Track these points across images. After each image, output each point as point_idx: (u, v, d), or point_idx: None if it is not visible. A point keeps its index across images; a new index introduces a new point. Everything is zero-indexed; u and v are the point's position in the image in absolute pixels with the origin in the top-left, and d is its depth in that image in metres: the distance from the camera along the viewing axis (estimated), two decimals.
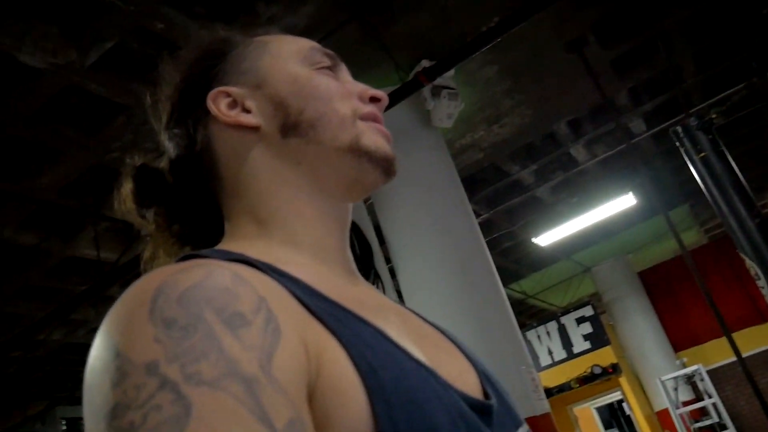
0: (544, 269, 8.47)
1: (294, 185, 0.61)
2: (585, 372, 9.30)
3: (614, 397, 11.70)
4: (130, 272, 5.09)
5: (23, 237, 4.68)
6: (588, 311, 8.95)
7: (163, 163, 0.69)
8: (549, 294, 9.50)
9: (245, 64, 0.66)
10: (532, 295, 9.11)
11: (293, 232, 0.60)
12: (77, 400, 7.46)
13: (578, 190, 6.49)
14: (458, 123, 4.47)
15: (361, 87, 0.67)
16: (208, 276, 0.44)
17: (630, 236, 8.01)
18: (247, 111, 0.63)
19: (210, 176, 0.65)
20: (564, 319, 9.08)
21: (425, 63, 4.11)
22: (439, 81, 4.16)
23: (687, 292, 8.50)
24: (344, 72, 0.69)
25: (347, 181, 0.62)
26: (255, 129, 0.62)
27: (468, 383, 0.57)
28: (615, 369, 9.10)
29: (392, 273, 4.14)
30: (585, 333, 8.89)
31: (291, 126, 0.61)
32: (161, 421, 0.37)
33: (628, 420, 12.37)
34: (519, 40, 4.17)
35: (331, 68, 0.66)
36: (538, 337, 9.16)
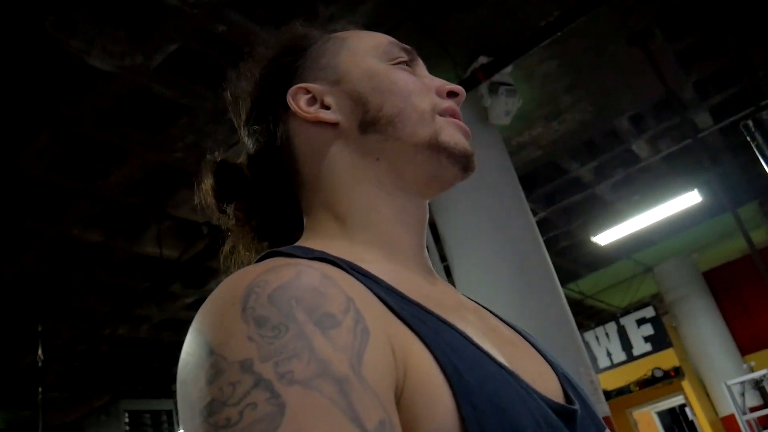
0: (603, 269, 8.25)
1: (373, 181, 0.62)
2: (645, 375, 9.02)
3: (676, 401, 11.30)
4: (192, 269, 5.22)
5: (90, 234, 4.85)
6: (649, 312, 8.67)
7: (242, 159, 0.70)
8: (608, 294, 9.25)
9: (324, 60, 0.66)
10: (590, 296, 8.89)
11: (372, 229, 0.60)
12: (140, 394, 7.70)
13: (640, 187, 6.29)
14: (516, 120, 4.39)
15: (438, 82, 0.66)
16: (298, 276, 0.45)
17: (694, 235, 7.72)
18: (327, 107, 0.63)
19: (289, 172, 0.66)
20: (624, 320, 8.83)
21: (483, 59, 4.06)
22: (496, 77, 4.11)
23: (755, 294, 8.15)
24: (421, 67, 0.68)
25: (426, 177, 0.62)
26: (334, 125, 0.63)
27: (549, 386, 0.56)
28: (677, 372, 8.80)
29: (447, 272, 4.10)
30: (646, 335, 8.63)
31: (370, 122, 0.62)
32: (257, 419, 0.38)
33: (691, 425, 11.95)
34: (579, 34, 4.08)
35: (409, 63, 0.66)
36: (597, 338, 8.94)
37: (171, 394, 8.13)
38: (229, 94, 0.72)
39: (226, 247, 0.69)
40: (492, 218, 3.80)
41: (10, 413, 7.88)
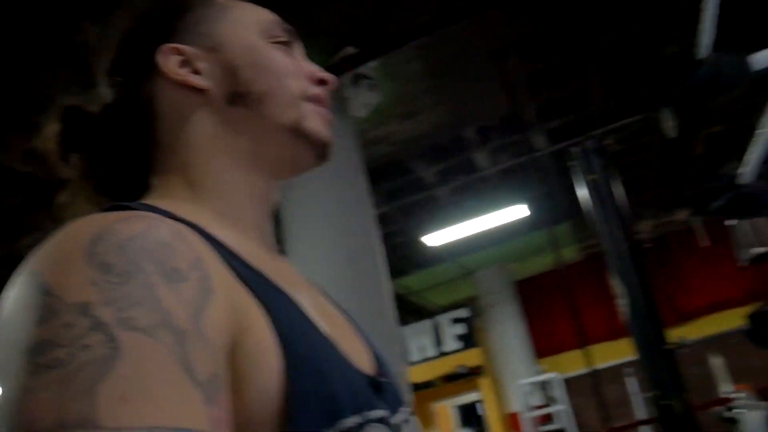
0: (429, 268, 8.61)
1: (231, 154, 0.62)
2: (451, 371, 9.62)
3: (473, 397, 12.23)
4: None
5: None
6: (464, 313, 9.24)
7: (94, 107, 0.66)
8: (431, 293, 9.70)
9: (203, 25, 0.65)
10: (414, 292, 9.26)
11: (222, 199, 0.61)
12: None
13: (476, 195, 6.63)
14: (373, 114, 4.40)
15: (312, 67, 0.68)
16: (149, 228, 0.45)
17: (515, 246, 8.33)
18: (197, 73, 0.63)
19: (146, 130, 0.64)
20: (441, 318, 9.32)
21: (350, 50, 4.00)
22: (361, 70, 4.09)
23: (557, 304, 8.99)
24: (299, 50, 0.70)
25: (282, 158, 0.64)
26: (202, 92, 0.62)
27: (364, 362, 0.61)
28: (479, 370, 9.49)
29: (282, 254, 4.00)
30: (458, 333, 9.18)
31: (239, 95, 0.62)
32: (88, 360, 0.37)
33: (479, 420, 13.00)
34: (446, 41, 4.19)
35: (288, 44, 0.67)
36: (415, 332, 9.34)
37: None
38: (93, 37, 0.69)
39: (63, 197, 0.65)
40: (334, 207, 3.81)
41: None
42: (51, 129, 0.64)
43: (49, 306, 0.39)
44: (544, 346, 9.44)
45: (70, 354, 0.37)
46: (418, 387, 9.54)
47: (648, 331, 4.58)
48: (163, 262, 0.43)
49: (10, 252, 5.55)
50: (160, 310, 0.40)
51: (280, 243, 3.97)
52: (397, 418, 0.57)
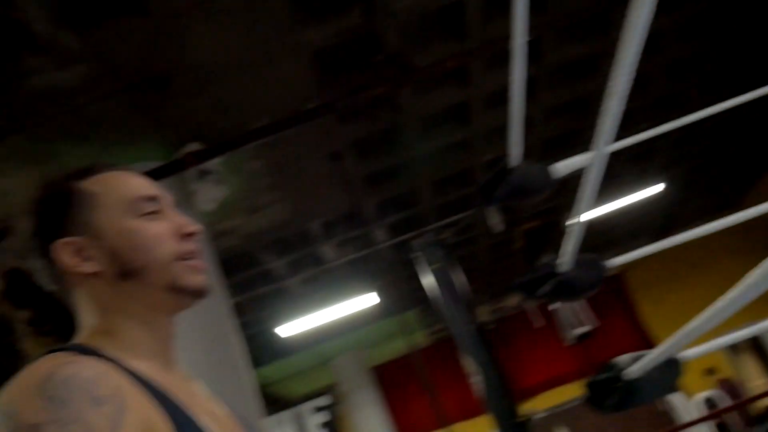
0: (286, 357, 8.64)
1: (131, 312, 0.81)
2: None
3: None
4: None
5: None
6: (326, 401, 9.27)
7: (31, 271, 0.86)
8: (290, 382, 9.65)
9: (81, 216, 0.82)
10: (273, 382, 9.19)
11: (130, 342, 0.79)
12: None
13: (326, 285, 6.90)
14: (221, 207, 4.59)
15: (179, 223, 0.84)
16: (82, 370, 0.65)
17: (369, 333, 8.59)
18: (89, 258, 0.80)
19: (67, 293, 0.84)
20: (302, 407, 9.27)
21: (195, 146, 4.20)
22: (205, 165, 4.29)
23: (414, 387, 9.27)
24: (168, 205, 0.86)
25: (171, 307, 0.84)
26: (95, 274, 0.80)
27: None
28: None
29: None
30: (322, 421, 9.16)
31: (124, 273, 0.80)
32: None
33: None
34: (285, 141, 4.48)
35: (154, 212, 0.83)
36: (278, 423, 9.20)
37: None
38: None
39: (27, 345, 0.90)
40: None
41: None
42: None
43: (15, 426, 0.59)
44: (405, 429, 9.62)
45: None
46: None
47: (503, 404, 4.97)
48: (90, 392, 0.62)
49: None
50: (87, 425, 0.60)
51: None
52: None
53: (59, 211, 0.83)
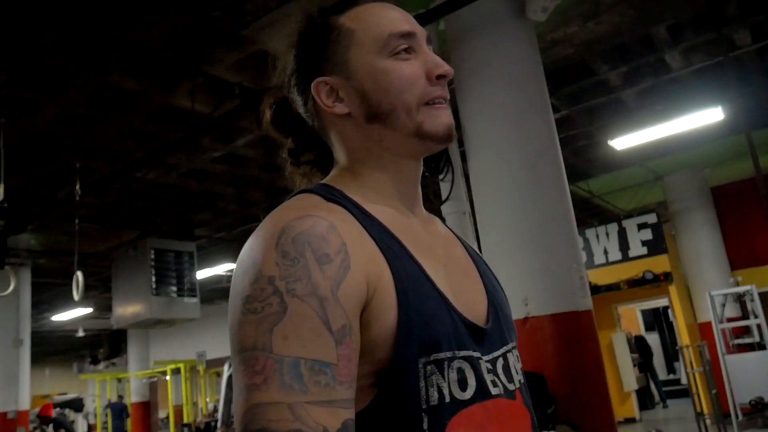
0: (615, 171, 8.42)
1: (378, 155, 0.83)
2: (636, 275, 9.50)
3: (660, 303, 11.94)
4: (221, 126, 5.47)
5: (127, 82, 5.06)
6: (651, 218, 8.95)
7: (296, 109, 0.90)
8: (615, 196, 9.49)
9: (337, 55, 0.83)
10: (598, 195, 9.14)
11: (378, 184, 0.83)
12: (165, 234, 8.26)
13: (665, 97, 6.31)
14: (553, 16, 4.34)
15: (430, 64, 0.82)
16: (312, 226, 0.69)
17: (710, 151, 7.79)
18: (341, 99, 0.82)
19: (323, 130, 0.88)
20: (626, 223, 9.13)
21: None
22: None
23: (755, 215, 8.35)
24: (420, 43, 0.84)
25: (416, 152, 0.84)
26: (347, 115, 0.83)
27: (475, 310, 0.79)
28: (666, 277, 9.25)
29: (463, 157, 4.29)
30: (644, 239, 8.95)
31: (372, 115, 0.81)
32: (270, 312, 0.64)
33: (670, 326, 12.66)
34: None
35: (408, 49, 0.82)
36: (597, 236, 9.30)
37: (193, 238, 8.71)
38: (270, 59, 0.91)
39: (288, 168, 0.94)
40: (512, 111, 3.90)
41: (49, 238, 8.53)
42: (266, 115, 0.91)
43: (255, 274, 0.66)
44: (739, 257, 8.87)
45: (261, 307, 0.64)
46: (601, 289, 9.63)
47: None
48: (318, 250, 0.67)
49: (230, 152, 6.64)
50: (312, 284, 0.65)
51: (461, 146, 4.28)
52: (492, 356, 0.78)
53: (319, 48, 0.84)
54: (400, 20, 0.83)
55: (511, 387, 0.78)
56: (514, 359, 0.82)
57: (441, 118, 0.81)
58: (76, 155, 6.15)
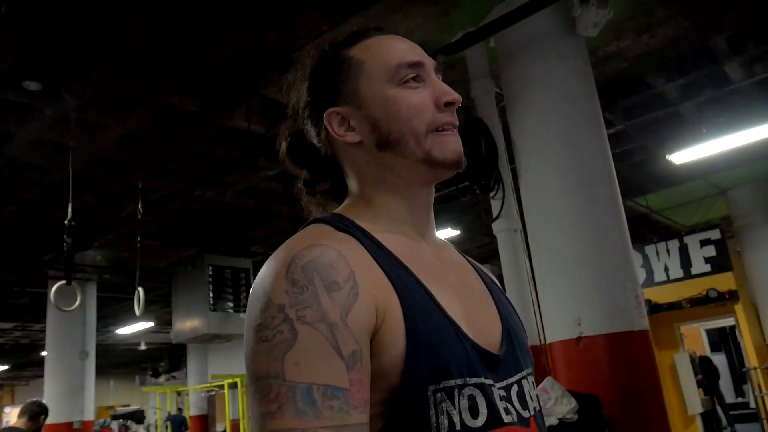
0: (675, 186, 8.16)
1: (389, 183, 0.84)
2: (699, 294, 9.12)
3: (726, 322, 11.41)
4: (275, 146, 5.60)
5: (186, 105, 5.27)
6: (715, 234, 8.60)
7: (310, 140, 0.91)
8: (676, 212, 9.18)
9: (348, 85, 0.85)
10: (657, 211, 8.86)
11: (389, 212, 0.84)
12: (222, 251, 8.49)
13: (727, 110, 6.10)
14: (605, 30, 4.28)
15: (438, 92, 0.83)
16: (322, 255, 0.70)
17: None
18: (352, 128, 0.84)
19: (335, 160, 0.89)
20: (687, 239, 8.81)
21: None
22: None
23: None
24: (429, 72, 0.85)
25: (426, 179, 0.85)
26: (359, 143, 0.84)
27: (488, 336, 0.79)
28: (732, 295, 8.85)
29: (514, 174, 4.26)
30: (707, 256, 8.61)
31: (383, 143, 0.82)
32: (281, 340, 0.65)
33: (738, 346, 12.09)
34: None
35: (416, 78, 0.83)
36: (657, 252, 9.00)
37: (249, 254, 8.92)
38: (286, 83, 0.93)
39: (304, 199, 0.95)
40: (563, 127, 3.86)
41: (113, 254, 8.90)
42: (282, 146, 0.93)
43: (266, 302, 0.67)
44: None
45: (273, 335, 0.65)
46: (662, 308, 9.30)
47: None
48: (327, 278, 0.67)
49: (284, 171, 6.77)
50: (321, 311, 0.65)
51: (512, 163, 4.25)
52: (506, 382, 0.77)
53: (330, 79, 0.86)
54: (408, 51, 0.85)
55: (525, 414, 0.77)
56: (529, 386, 0.81)
57: (449, 145, 0.82)
58: (138, 175, 6.42)
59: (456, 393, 0.69)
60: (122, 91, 4.97)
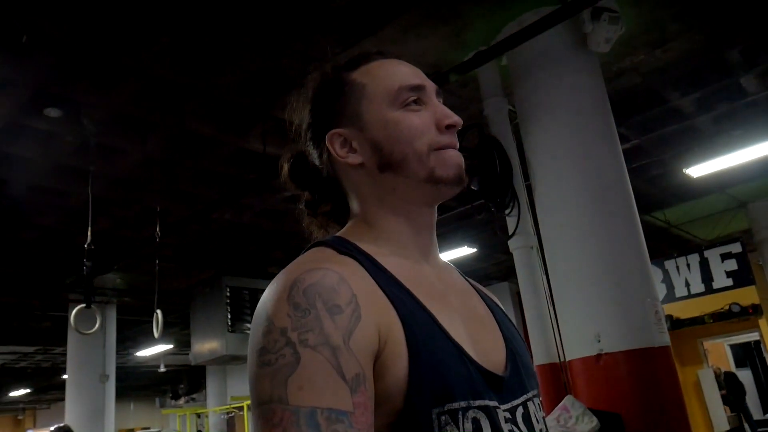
0: (693, 200, 8.07)
1: (391, 204, 0.85)
2: (722, 308, 8.99)
3: (751, 337, 11.22)
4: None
5: (203, 128, 5.33)
6: (736, 248, 8.50)
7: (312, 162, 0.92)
8: (695, 226, 9.08)
9: (350, 107, 0.85)
10: (676, 225, 8.77)
11: (391, 234, 0.84)
12: (240, 273, 8.53)
13: (743, 122, 6.05)
14: (618, 45, 4.27)
15: (439, 114, 0.84)
16: (323, 278, 0.70)
17: None
18: (354, 150, 0.84)
19: (338, 183, 0.90)
20: (708, 253, 8.71)
21: None
22: (601, 2, 4.02)
23: None
24: (430, 96, 0.86)
25: (429, 198, 0.85)
26: (360, 165, 0.85)
27: (492, 358, 0.78)
28: (755, 310, 8.70)
29: (529, 190, 4.25)
30: (729, 269, 8.50)
31: (385, 165, 0.83)
32: (284, 364, 0.64)
33: (764, 362, 11.85)
34: None
35: (417, 101, 0.84)
36: (677, 267, 8.91)
37: (267, 276, 8.94)
38: (288, 108, 0.94)
39: (305, 221, 0.96)
40: (578, 144, 3.85)
41: (132, 277, 8.98)
42: (284, 169, 0.93)
43: (268, 326, 0.67)
44: None
45: (275, 359, 0.64)
46: (684, 323, 9.17)
47: None
48: (328, 301, 0.67)
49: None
50: (323, 334, 0.65)
51: (526, 180, 4.24)
52: (512, 404, 0.76)
53: (332, 102, 0.87)
54: (410, 74, 0.86)
55: None
56: (535, 408, 0.81)
57: (452, 160, 0.83)
58: (156, 198, 6.49)
59: (460, 416, 0.69)
60: (140, 116, 5.05)
